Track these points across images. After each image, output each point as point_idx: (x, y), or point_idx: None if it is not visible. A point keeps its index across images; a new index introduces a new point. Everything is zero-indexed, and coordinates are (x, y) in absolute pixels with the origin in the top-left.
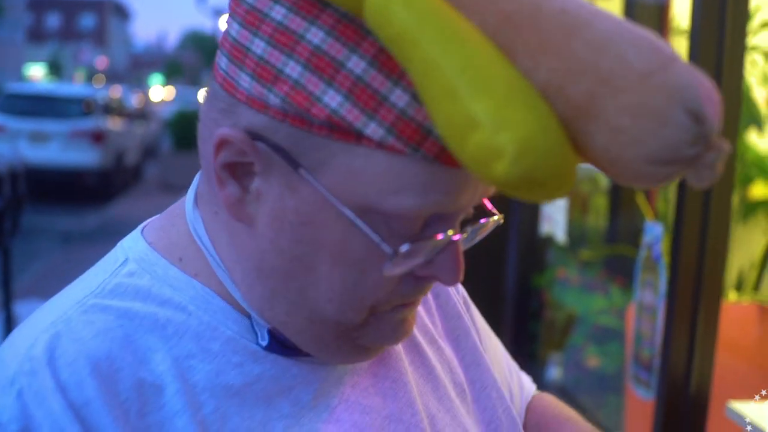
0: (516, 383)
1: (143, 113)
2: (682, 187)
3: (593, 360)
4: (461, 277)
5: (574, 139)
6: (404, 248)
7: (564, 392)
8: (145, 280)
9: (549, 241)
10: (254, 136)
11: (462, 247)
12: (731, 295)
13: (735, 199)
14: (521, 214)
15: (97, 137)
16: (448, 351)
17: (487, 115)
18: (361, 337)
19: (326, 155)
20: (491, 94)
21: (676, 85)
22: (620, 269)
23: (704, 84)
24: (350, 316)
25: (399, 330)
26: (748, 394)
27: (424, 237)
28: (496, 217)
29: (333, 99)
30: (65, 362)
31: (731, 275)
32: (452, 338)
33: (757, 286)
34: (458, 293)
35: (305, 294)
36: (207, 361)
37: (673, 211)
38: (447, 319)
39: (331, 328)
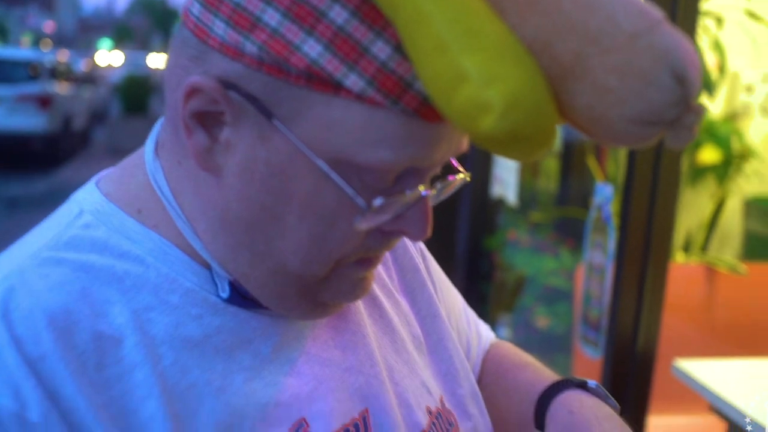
0: (474, 333)
1: (91, 78)
2: (632, 150)
3: (542, 320)
4: (429, 232)
5: (557, 98)
6: (378, 202)
7: None
8: (101, 232)
9: (500, 203)
10: (227, 84)
11: (430, 203)
12: (679, 257)
13: (684, 164)
14: (473, 177)
15: (44, 102)
16: (405, 304)
17: (477, 69)
18: (321, 293)
19: (302, 106)
20: (481, 48)
21: (662, 47)
22: (570, 231)
23: (688, 47)
24: (315, 269)
25: (359, 287)
26: (694, 353)
27: (396, 191)
28: (462, 175)
29: (313, 48)
30: (20, 316)
31: (679, 237)
32: (409, 291)
33: (704, 248)
34: (415, 247)
35: (271, 246)
36: (166, 314)
37: (624, 174)
38: (404, 272)
39: (293, 282)
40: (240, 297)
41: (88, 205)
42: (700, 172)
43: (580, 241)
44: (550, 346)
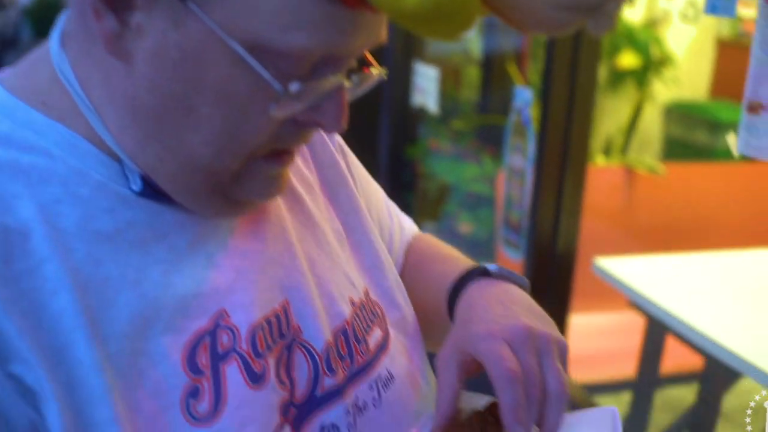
0: (396, 226)
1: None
2: (550, 54)
3: (466, 226)
4: (345, 124)
5: None
6: (294, 87)
7: None
8: (5, 126)
9: (421, 112)
10: None
11: (347, 96)
12: (599, 160)
13: (603, 69)
14: (393, 86)
15: None
16: (325, 200)
17: None
18: (233, 190)
19: None
20: None
21: None
22: (492, 139)
23: None
24: (227, 161)
25: (272, 185)
26: (614, 253)
27: (312, 79)
28: (379, 71)
29: None
30: None
31: (600, 141)
32: (329, 187)
33: (624, 151)
34: (334, 143)
35: (182, 137)
36: (75, 207)
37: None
38: (323, 167)
39: (205, 177)
40: (152, 191)
41: None
42: (619, 77)
43: (502, 148)
44: (473, 251)
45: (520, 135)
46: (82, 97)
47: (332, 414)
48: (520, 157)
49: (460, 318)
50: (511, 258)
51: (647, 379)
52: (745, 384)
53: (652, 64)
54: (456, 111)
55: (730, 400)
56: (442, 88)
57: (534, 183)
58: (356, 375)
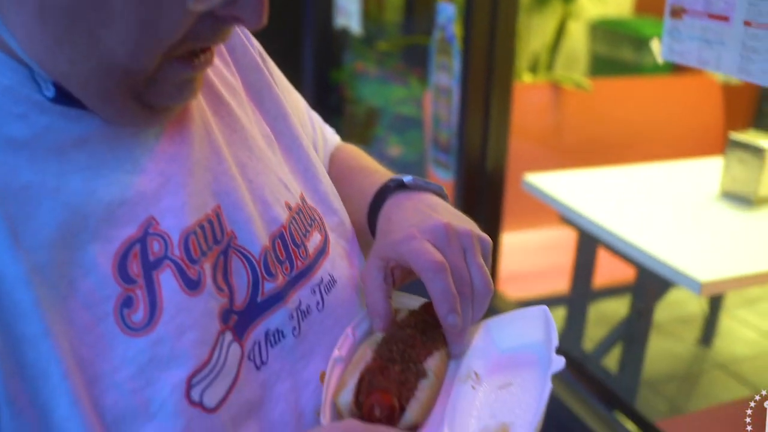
0: (320, 136)
1: None
2: None
3: (395, 149)
4: (265, 19)
5: None
6: None
7: None
8: None
9: (345, 35)
10: None
11: None
12: (526, 77)
13: None
14: (315, 7)
15: None
16: (252, 105)
17: None
18: (148, 94)
19: None
20: None
21: None
22: (418, 60)
23: None
24: (142, 60)
25: (186, 89)
26: (544, 169)
27: None
28: None
29: None
30: None
31: (526, 59)
32: (254, 92)
33: (550, 68)
34: (253, 47)
35: (94, 36)
36: None
37: None
38: (246, 72)
39: (118, 81)
40: (66, 98)
41: None
42: None
43: (428, 68)
44: (403, 173)
45: (445, 53)
46: None
47: (276, 319)
48: (446, 76)
49: (380, 231)
50: (442, 178)
51: (581, 293)
52: (675, 295)
53: None
54: (381, 33)
55: (661, 313)
56: (365, 9)
57: (461, 101)
58: (297, 279)
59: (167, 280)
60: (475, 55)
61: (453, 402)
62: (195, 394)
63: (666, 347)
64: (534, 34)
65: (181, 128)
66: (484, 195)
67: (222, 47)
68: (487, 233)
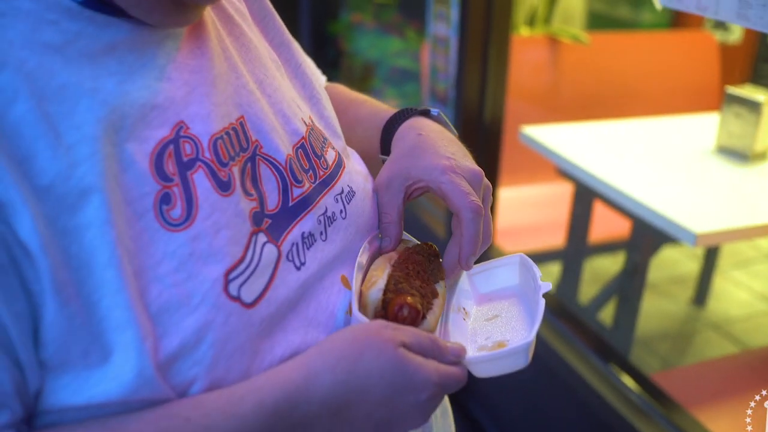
0: (313, 72)
1: None
2: None
3: (392, 102)
4: None
5: None
6: None
7: None
8: None
9: None
10: None
11: None
12: (523, 30)
13: None
14: None
15: None
16: (258, 31)
17: None
18: None
19: None
20: None
21: None
22: (415, 13)
23: None
24: None
25: None
26: (541, 122)
27: None
28: None
29: None
30: None
31: (524, 13)
32: (259, 19)
33: (548, 20)
34: None
35: None
36: (19, 20)
37: None
38: (251, 1)
39: None
40: (96, 2)
41: None
42: None
43: (426, 20)
44: None
45: (443, 1)
46: None
47: (307, 222)
48: (444, 25)
49: (405, 145)
50: None
51: (576, 248)
52: (669, 254)
53: None
54: None
55: (655, 272)
56: None
57: (458, 51)
58: (321, 187)
59: (201, 180)
60: (474, 3)
61: (447, 328)
62: (233, 289)
63: (660, 306)
64: None
65: (200, 43)
66: (482, 147)
67: None
68: None
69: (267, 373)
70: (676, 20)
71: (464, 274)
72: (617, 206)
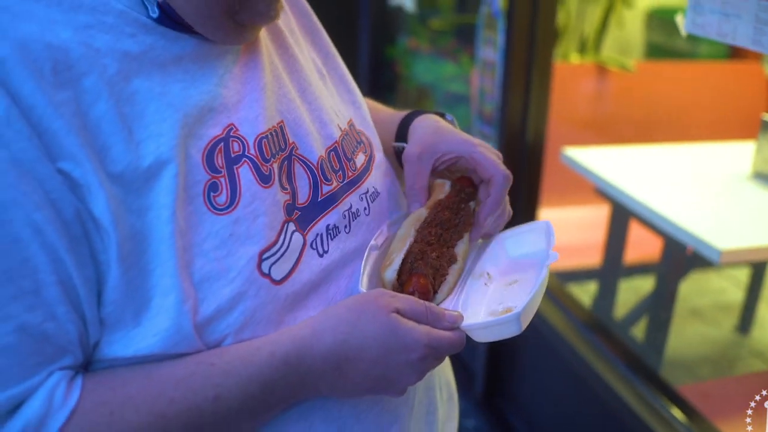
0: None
1: None
2: None
3: None
4: None
5: None
6: None
7: None
8: None
9: (400, 12)
10: None
11: None
12: (574, 58)
13: None
14: None
15: None
16: (306, 43)
17: None
18: (240, 12)
19: None
20: None
21: None
22: (470, 39)
23: None
24: None
25: (272, 8)
26: (585, 143)
27: None
28: None
29: None
30: None
31: (575, 41)
32: (308, 32)
33: (597, 48)
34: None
35: None
36: (104, 31)
37: None
38: (300, 16)
39: (218, 0)
40: (168, 19)
41: None
42: None
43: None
44: None
45: (491, 27)
46: None
47: (333, 216)
48: (491, 50)
49: (428, 128)
50: None
51: (612, 267)
52: (716, 283)
53: None
54: (434, 11)
55: (701, 299)
56: None
57: (503, 74)
58: (348, 186)
59: (245, 174)
60: (518, 28)
61: (467, 294)
62: (264, 267)
63: (704, 332)
64: (587, 18)
65: (253, 57)
66: (524, 166)
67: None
68: (525, 204)
69: (281, 330)
70: (734, 52)
71: (494, 239)
72: (649, 224)
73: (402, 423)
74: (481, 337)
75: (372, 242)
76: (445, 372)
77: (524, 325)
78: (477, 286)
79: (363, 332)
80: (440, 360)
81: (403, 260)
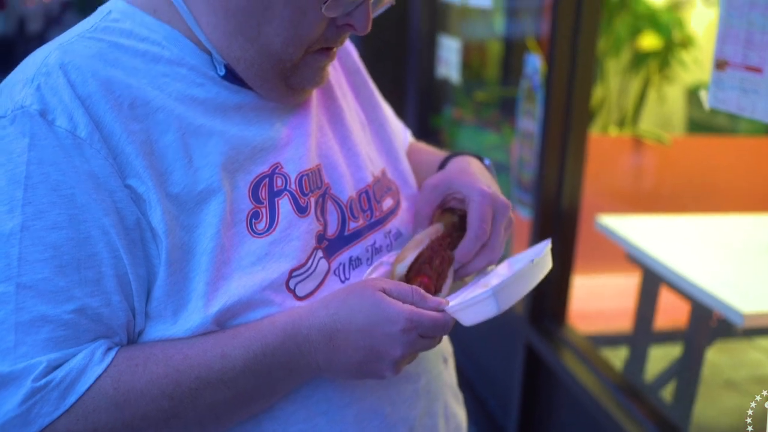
0: (406, 132)
1: None
2: (554, 23)
3: None
4: (370, 26)
5: None
6: None
7: None
8: (127, 24)
9: (445, 83)
10: None
11: (371, 11)
12: (612, 130)
13: (627, 52)
14: (419, 57)
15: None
16: (352, 96)
17: None
18: (292, 78)
19: None
20: None
21: None
22: (512, 111)
23: None
24: (291, 51)
25: (319, 75)
26: (618, 211)
27: None
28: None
29: None
30: (73, 67)
31: (615, 114)
32: (354, 87)
33: (635, 122)
34: (355, 56)
35: (260, 30)
36: (177, 80)
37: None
38: (349, 72)
39: (274, 65)
40: (233, 77)
41: (115, 8)
42: (642, 59)
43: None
44: None
45: (531, 100)
46: (181, 5)
47: (357, 249)
48: (531, 121)
49: (455, 165)
50: (523, 216)
51: (642, 334)
52: (753, 356)
53: (674, 46)
54: (479, 84)
55: (738, 371)
56: (465, 60)
57: (540, 143)
58: (374, 225)
59: (284, 205)
60: (555, 101)
61: (462, 291)
62: (292, 283)
63: (739, 403)
64: (628, 94)
65: (304, 108)
66: (559, 231)
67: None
68: (560, 269)
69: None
70: None
71: (504, 262)
72: (677, 288)
73: None
74: (465, 319)
75: (384, 258)
76: (450, 404)
77: (504, 306)
78: (475, 289)
79: (350, 306)
80: (428, 339)
81: (415, 260)
